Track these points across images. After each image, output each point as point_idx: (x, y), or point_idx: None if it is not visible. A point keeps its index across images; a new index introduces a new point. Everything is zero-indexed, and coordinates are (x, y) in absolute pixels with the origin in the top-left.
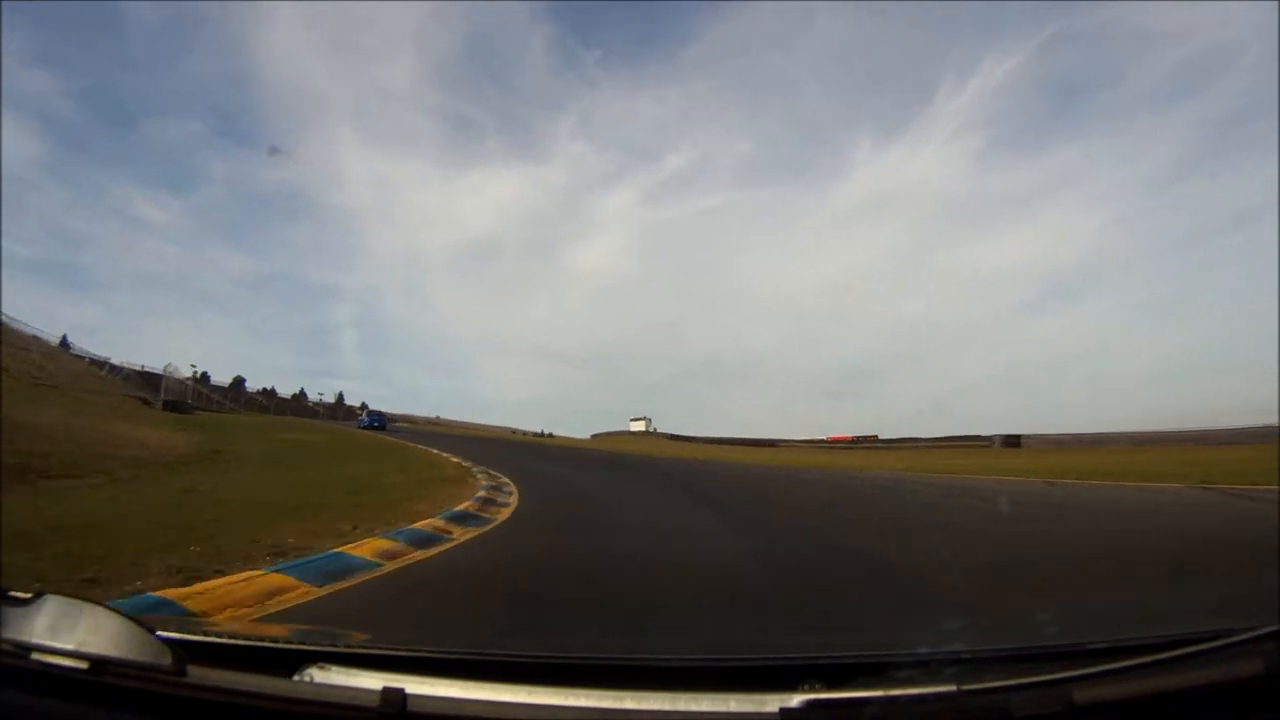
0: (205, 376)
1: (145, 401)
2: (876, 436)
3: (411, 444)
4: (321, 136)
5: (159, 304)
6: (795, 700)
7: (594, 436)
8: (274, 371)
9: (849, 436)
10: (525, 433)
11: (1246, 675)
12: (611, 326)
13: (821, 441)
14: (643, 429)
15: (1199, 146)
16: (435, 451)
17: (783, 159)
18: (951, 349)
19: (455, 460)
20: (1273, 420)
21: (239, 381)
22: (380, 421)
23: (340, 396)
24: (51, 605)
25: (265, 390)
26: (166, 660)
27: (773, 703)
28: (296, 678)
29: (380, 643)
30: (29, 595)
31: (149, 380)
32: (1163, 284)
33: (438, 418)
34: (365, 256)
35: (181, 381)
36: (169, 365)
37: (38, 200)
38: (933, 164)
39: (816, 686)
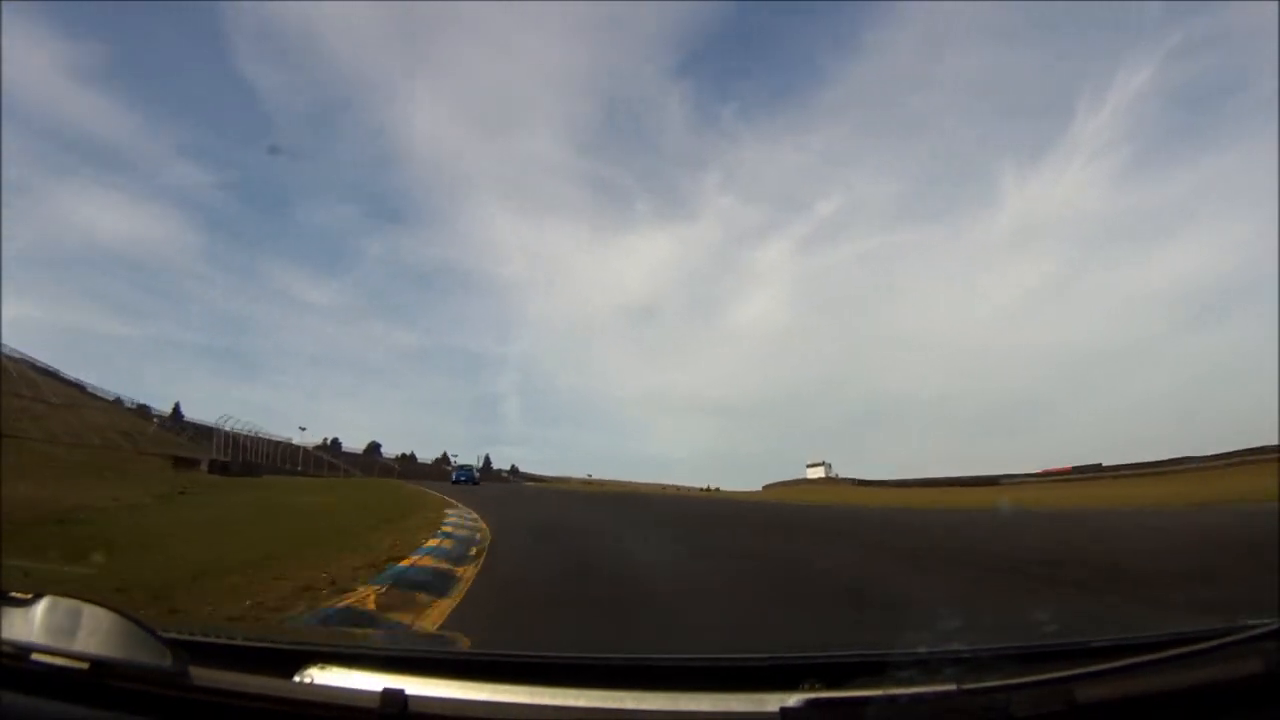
0: (335, 442)
1: (185, 461)
2: (1100, 464)
3: (449, 503)
4: (472, 210)
5: (327, 381)
6: (795, 700)
7: (766, 488)
8: (448, 439)
9: (1066, 468)
10: (688, 489)
11: (1247, 674)
12: (775, 377)
13: (1038, 475)
14: (821, 475)
15: None
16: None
17: (930, 196)
18: (1121, 372)
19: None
20: None
21: (373, 447)
22: (467, 476)
23: (451, 455)
24: (52, 606)
25: (403, 455)
26: (167, 661)
27: (773, 702)
28: (297, 678)
29: (380, 643)
30: (29, 596)
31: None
32: None
33: (589, 476)
34: (524, 325)
35: (247, 437)
36: (223, 417)
37: (199, 288)
38: (1078, 185)
39: (816, 686)
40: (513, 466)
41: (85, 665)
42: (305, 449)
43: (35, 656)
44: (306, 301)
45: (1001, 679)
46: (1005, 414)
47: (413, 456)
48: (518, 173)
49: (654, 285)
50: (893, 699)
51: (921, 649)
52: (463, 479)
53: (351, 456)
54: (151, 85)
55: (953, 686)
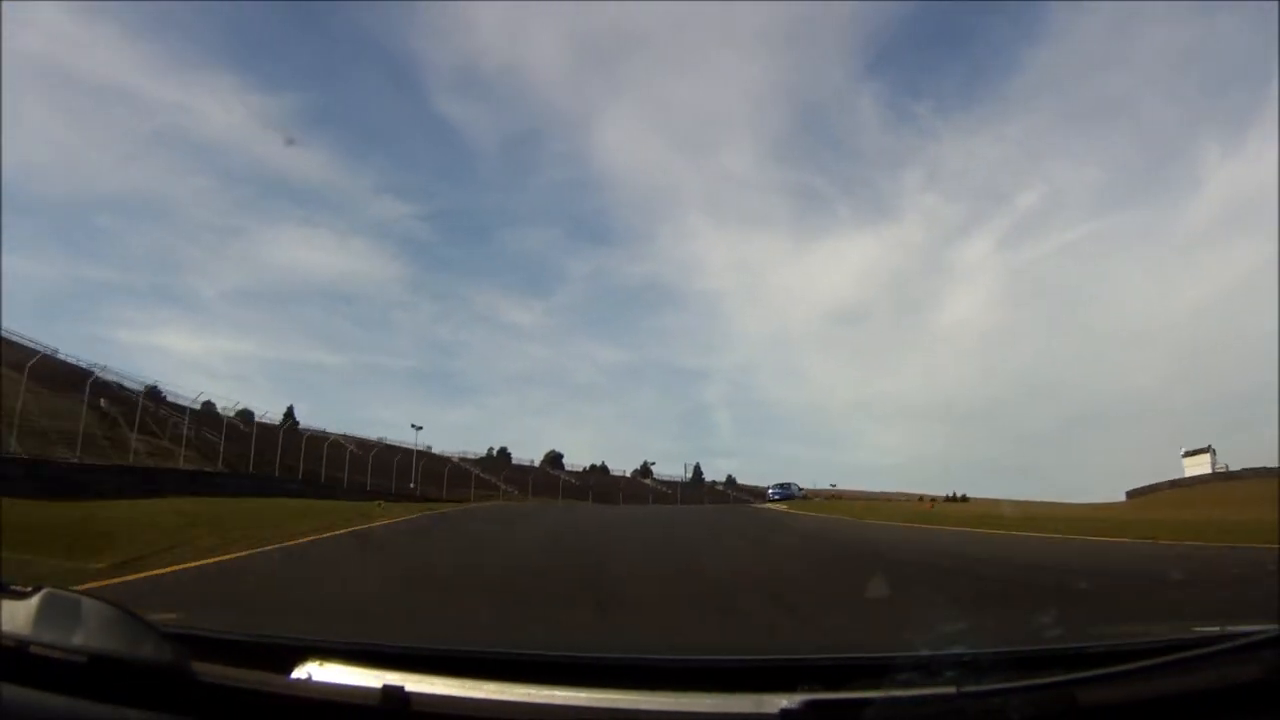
0: (503, 452)
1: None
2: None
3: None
4: (674, 227)
5: (535, 400)
6: (795, 700)
7: (1136, 497)
8: (659, 454)
9: None
10: (932, 499)
11: (1246, 680)
12: (985, 378)
13: None
14: (1207, 469)
15: None
16: None
17: (1133, 181)
18: None
19: None
20: None
21: (553, 458)
22: (780, 494)
23: (649, 464)
24: (52, 599)
25: (592, 467)
26: (166, 655)
27: (773, 703)
28: (297, 674)
29: (381, 639)
30: (29, 589)
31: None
32: None
33: (833, 486)
34: (732, 337)
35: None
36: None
37: (406, 317)
38: None
39: (816, 687)
40: (729, 477)
41: (84, 659)
42: (453, 461)
43: (34, 650)
44: (512, 323)
45: (1001, 682)
46: (1237, 408)
47: (604, 468)
48: (715, 186)
49: (860, 288)
50: (893, 701)
51: (922, 651)
52: (776, 497)
53: (522, 470)
54: (354, 132)
55: (953, 689)
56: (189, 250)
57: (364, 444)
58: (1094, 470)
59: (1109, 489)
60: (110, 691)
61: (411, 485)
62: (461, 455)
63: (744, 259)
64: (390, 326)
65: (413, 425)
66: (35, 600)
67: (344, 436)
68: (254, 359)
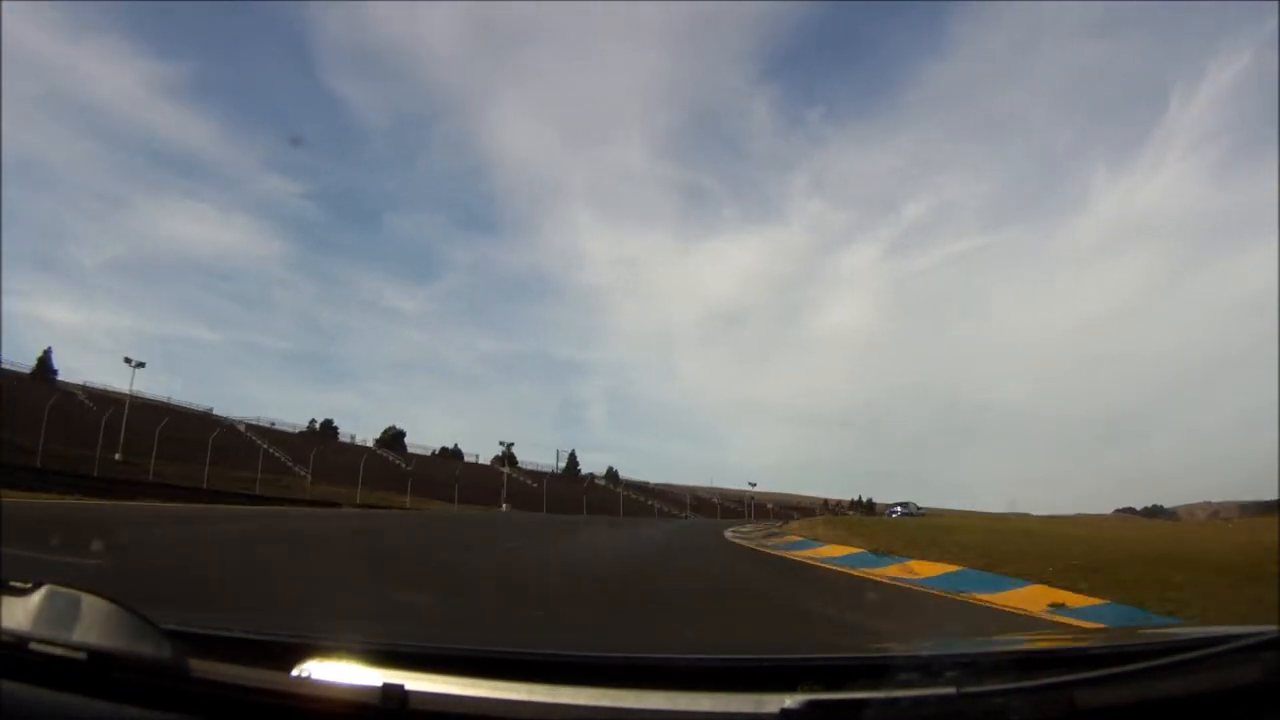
0: (328, 426)
1: None
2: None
3: None
4: (560, 219)
5: (415, 388)
6: (796, 701)
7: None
8: (533, 446)
9: None
10: (837, 503)
11: (1245, 681)
12: (862, 385)
13: None
14: None
15: None
16: None
17: (1021, 197)
18: (1215, 382)
19: None
20: None
21: (392, 437)
22: (896, 512)
23: (508, 447)
24: (52, 596)
25: (444, 450)
26: (167, 653)
27: (773, 703)
28: (296, 672)
29: (381, 638)
30: (28, 585)
31: None
32: None
33: (752, 485)
34: (612, 332)
35: None
36: None
37: (286, 296)
38: (1172, 182)
39: (816, 687)
40: (610, 470)
41: (83, 656)
42: (236, 429)
43: (34, 646)
44: (394, 308)
45: (1001, 683)
46: (1105, 427)
47: (456, 452)
48: (603, 181)
49: (742, 290)
50: (893, 701)
51: (922, 652)
52: (892, 514)
53: (347, 450)
54: (241, 100)
55: (953, 690)
56: (69, 219)
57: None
58: (968, 478)
59: (985, 498)
60: (110, 689)
61: (118, 456)
62: (254, 421)
63: (628, 255)
64: (270, 306)
65: (127, 360)
66: (35, 597)
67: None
68: (128, 331)
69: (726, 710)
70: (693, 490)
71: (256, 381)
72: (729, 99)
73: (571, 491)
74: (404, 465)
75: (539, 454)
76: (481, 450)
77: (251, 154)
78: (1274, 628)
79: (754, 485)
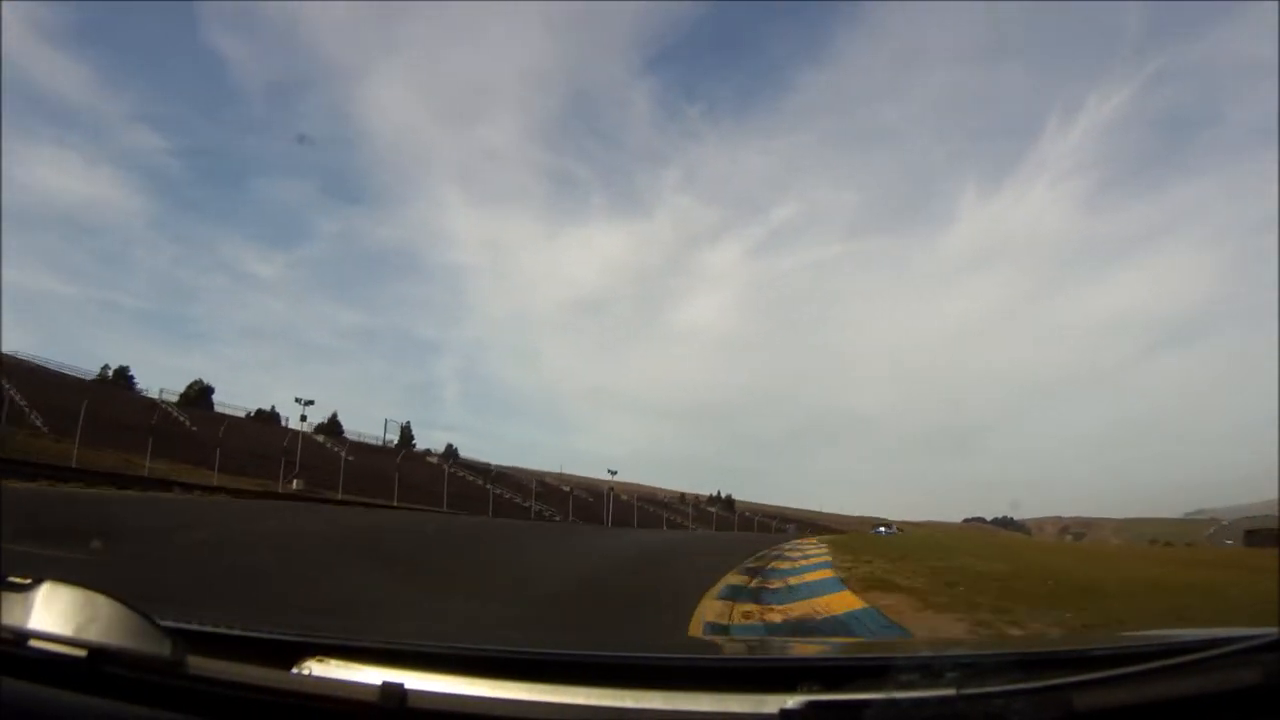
0: (126, 373)
1: None
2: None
3: None
4: (428, 195)
5: (268, 356)
6: (795, 701)
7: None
8: (379, 423)
9: None
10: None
11: (1245, 684)
12: (720, 382)
13: None
14: None
15: None
16: None
17: (889, 210)
18: (1062, 400)
19: None
20: None
21: (198, 393)
22: (881, 531)
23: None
24: (51, 592)
25: (260, 412)
26: (166, 650)
27: (772, 703)
28: (296, 670)
29: (380, 637)
30: (28, 581)
31: None
32: None
33: (613, 474)
34: (472, 312)
35: None
36: None
37: (144, 254)
38: (1041, 208)
39: (816, 688)
40: (450, 447)
41: (83, 653)
42: None
43: (33, 643)
44: (253, 274)
45: (1001, 685)
46: (958, 438)
47: (273, 415)
48: (477, 160)
49: (604, 280)
50: (893, 702)
51: (923, 653)
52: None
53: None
54: (119, 48)
55: (953, 691)
56: None
57: None
58: (824, 480)
59: (839, 501)
60: (110, 686)
61: None
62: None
63: (493, 236)
64: (128, 263)
65: None
66: (35, 593)
67: None
68: None
69: (726, 710)
70: (540, 476)
71: (107, 338)
72: (609, 88)
73: (385, 467)
74: (189, 425)
75: (388, 427)
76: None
77: (122, 104)
78: (1274, 630)
79: (614, 474)
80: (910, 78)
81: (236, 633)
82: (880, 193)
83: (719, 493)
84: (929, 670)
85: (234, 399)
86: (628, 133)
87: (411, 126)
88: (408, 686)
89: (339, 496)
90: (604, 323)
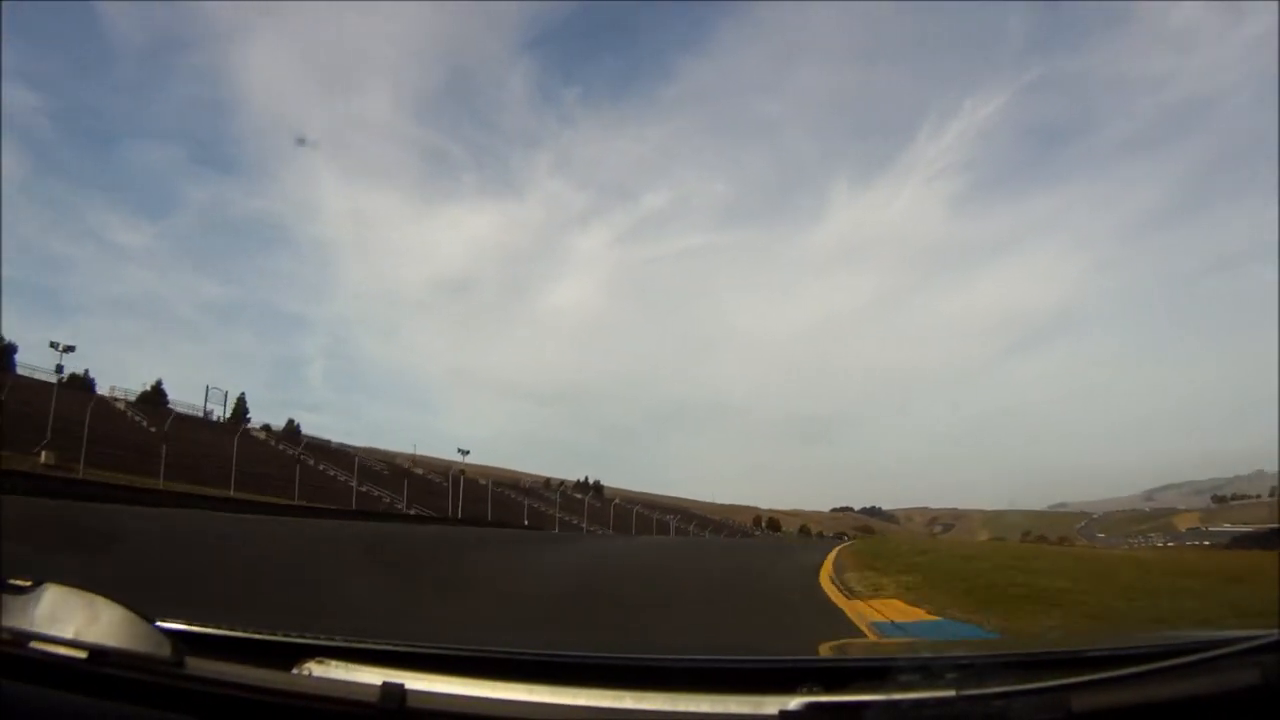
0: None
1: None
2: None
3: None
4: (300, 167)
5: (133, 329)
6: (794, 703)
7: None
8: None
9: None
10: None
11: (1244, 685)
12: (585, 366)
13: None
14: None
15: (1179, 192)
16: None
17: (761, 202)
18: (928, 395)
19: None
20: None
21: None
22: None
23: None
24: (51, 594)
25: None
26: (166, 651)
27: (772, 705)
28: (295, 671)
29: (380, 638)
30: (28, 583)
31: None
32: (1143, 328)
33: (465, 455)
34: (338, 288)
35: None
36: None
37: (12, 219)
38: (912, 207)
39: (816, 689)
40: (290, 421)
41: (83, 654)
42: None
43: (34, 645)
44: (121, 244)
45: (1000, 686)
46: (824, 428)
47: (87, 382)
48: (348, 133)
49: (473, 260)
50: (892, 704)
51: (922, 654)
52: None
53: None
54: None
55: (952, 693)
56: None
57: None
58: (689, 467)
59: (706, 489)
60: (110, 688)
61: None
62: None
63: (363, 212)
64: None
65: None
66: (36, 596)
67: None
68: None
69: (725, 712)
70: (392, 457)
71: None
72: (487, 66)
73: (207, 442)
74: None
75: (257, 412)
76: (191, 398)
77: None
78: (1274, 631)
79: (466, 454)
80: (789, 73)
81: (237, 634)
82: (753, 185)
83: (587, 478)
84: (928, 671)
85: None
86: (503, 113)
87: (286, 95)
88: (408, 687)
89: (80, 475)
90: (471, 303)
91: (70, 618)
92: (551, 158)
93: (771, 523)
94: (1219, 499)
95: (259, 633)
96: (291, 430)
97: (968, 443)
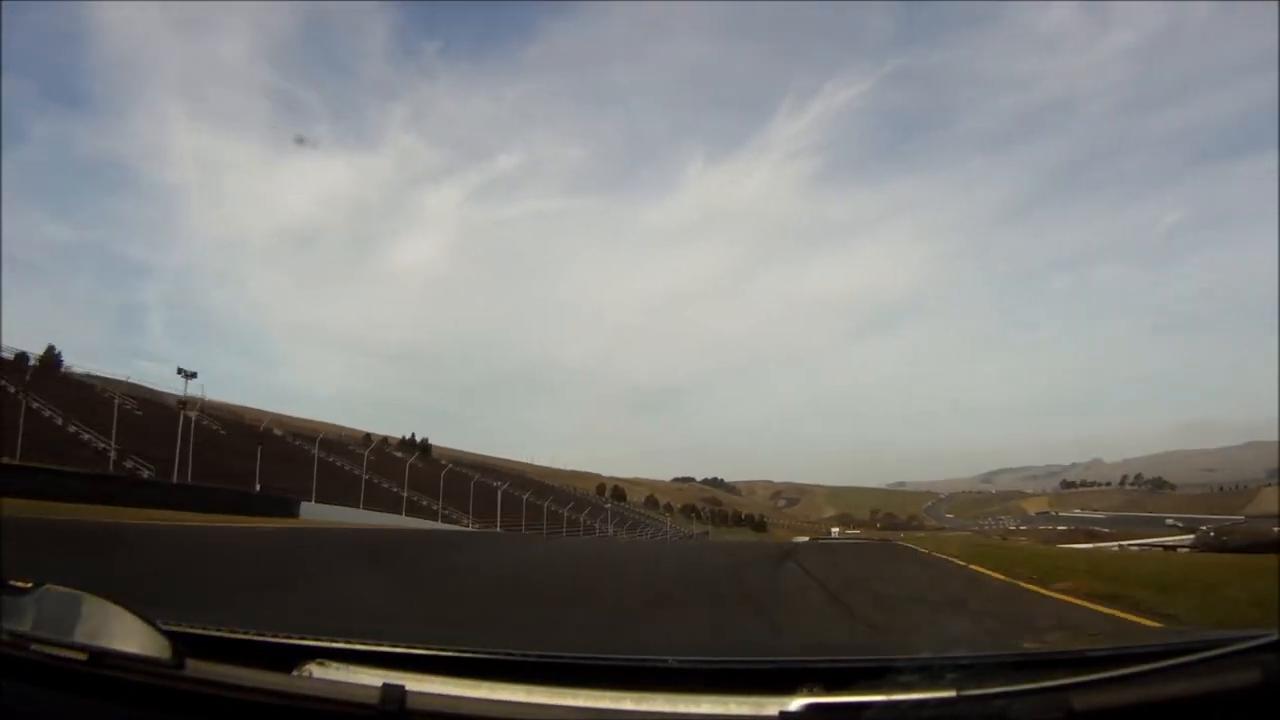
0: None
1: None
2: None
3: None
4: (149, 106)
5: None
6: (795, 703)
7: None
8: (83, 350)
9: None
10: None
11: (1244, 685)
12: (431, 325)
13: None
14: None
15: (1032, 190)
16: None
17: (615, 170)
18: (773, 371)
19: None
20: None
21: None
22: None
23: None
24: (52, 596)
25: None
26: (166, 653)
27: (772, 706)
28: (296, 673)
29: (380, 640)
30: (29, 585)
31: None
32: (987, 317)
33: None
34: (184, 235)
35: None
36: None
37: None
38: (767, 185)
39: (816, 690)
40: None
41: (83, 656)
42: None
43: (34, 646)
44: None
45: (1001, 686)
46: (667, 398)
47: None
48: (201, 73)
49: (321, 212)
50: (893, 704)
51: (923, 654)
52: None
53: None
54: None
55: (953, 693)
56: None
57: None
58: (528, 430)
59: (546, 453)
60: (110, 689)
61: None
62: None
63: (212, 156)
64: None
65: None
66: (36, 597)
67: None
68: None
69: (726, 713)
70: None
71: None
72: (348, 14)
73: None
74: None
75: (99, 360)
76: (32, 346)
77: None
78: (1274, 631)
79: (193, 376)
80: (650, 42)
81: (237, 636)
82: (608, 152)
83: (413, 436)
84: (929, 672)
85: None
86: (363, 62)
87: (141, 29)
88: (408, 689)
89: None
90: (318, 257)
91: (71, 619)
92: (407, 111)
93: (617, 492)
94: (1068, 484)
95: (259, 635)
96: (53, 360)
97: (810, 419)
